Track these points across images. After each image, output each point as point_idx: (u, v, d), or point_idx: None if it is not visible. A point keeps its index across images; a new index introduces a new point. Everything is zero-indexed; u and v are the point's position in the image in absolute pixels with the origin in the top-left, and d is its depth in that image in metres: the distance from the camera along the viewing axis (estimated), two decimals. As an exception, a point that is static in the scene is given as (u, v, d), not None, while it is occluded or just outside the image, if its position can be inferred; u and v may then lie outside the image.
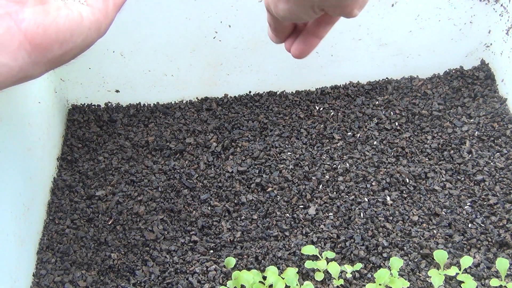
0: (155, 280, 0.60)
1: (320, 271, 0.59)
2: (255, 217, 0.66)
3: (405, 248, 0.61)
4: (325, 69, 0.81)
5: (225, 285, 0.58)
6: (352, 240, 0.62)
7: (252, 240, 0.64)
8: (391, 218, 0.65)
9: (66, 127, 0.78)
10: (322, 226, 0.64)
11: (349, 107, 0.79)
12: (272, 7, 0.48)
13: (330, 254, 0.60)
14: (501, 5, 0.77)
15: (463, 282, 0.57)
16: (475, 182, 0.68)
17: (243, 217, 0.66)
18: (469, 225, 0.64)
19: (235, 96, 0.82)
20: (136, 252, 0.63)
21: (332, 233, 0.63)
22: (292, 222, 0.65)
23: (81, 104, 0.81)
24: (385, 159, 0.72)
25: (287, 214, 0.66)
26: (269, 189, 0.69)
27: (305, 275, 0.60)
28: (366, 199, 0.67)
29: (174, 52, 0.78)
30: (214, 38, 0.77)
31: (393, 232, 0.63)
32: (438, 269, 0.59)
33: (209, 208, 0.67)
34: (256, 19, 0.76)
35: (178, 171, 0.71)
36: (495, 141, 0.73)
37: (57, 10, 0.42)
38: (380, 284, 0.57)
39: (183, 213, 0.67)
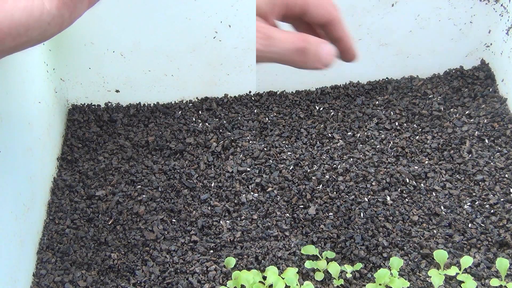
0: (155, 280, 0.60)
1: (320, 271, 0.59)
2: (255, 217, 0.66)
3: (405, 248, 0.61)
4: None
5: (225, 285, 0.58)
6: (352, 240, 0.62)
7: (252, 240, 0.64)
8: (391, 218, 0.65)
9: (66, 127, 0.78)
10: (322, 226, 0.64)
11: (349, 107, 0.79)
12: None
13: (330, 254, 0.60)
14: (501, 5, 0.77)
15: (463, 282, 0.57)
16: (475, 182, 0.68)
17: (243, 217, 0.66)
18: (469, 225, 0.64)
19: (235, 96, 0.82)
20: (136, 252, 0.63)
21: (332, 233, 0.63)
22: (292, 222, 0.65)
23: (81, 104, 0.81)
24: (385, 159, 0.72)
25: (287, 214, 0.66)
26: (269, 189, 0.69)
27: (305, 275, 0.60)
28: (366, 199, 0.67)
29: (174, 52, 0.78)
30: (214, 38, 0.77)
31: (393, 232, 0.63)
32: (438, 269, 0.59)
33: (209, 208, 0.67)
34: (256, 19, 0.76)
35: (178, 171, 0.71)
36: (495, 141, 0.73)
37: (15, 0, 0.38)
38: (380, 284, 0.57)
39: (183, 213, 0.67)
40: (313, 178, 0.69)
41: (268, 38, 0.52)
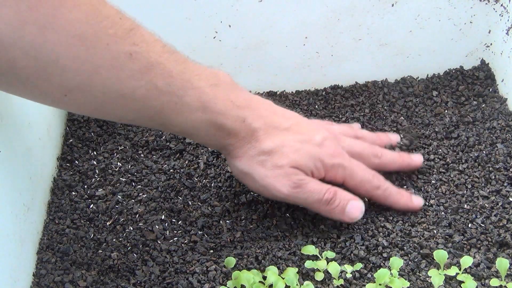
0: (155, 280, 0.60)
1: (320, 271, 0.59)
2: (255, 217, 0.66)
3: (405, 248, 0.61)
4: (325, 69, 0.81)
5: (225, 285, 0.58)
6: (352, 240, 0.62)
7: (252, 240, 0.64)
8: (391, 218, 0.65)
9: (66, 126, 0.78)
10: (322, 226, 0.64)
11: (349, 107, 0.79)
12: None
13: (330, 254, 0.60)
14: (501, 5, 0.77)
15: (463, 282, 0.57)
16: (475, 182, 0.68)
17: (243, 217, 0.66)
18: (469, 225, 0.64)
19: (235, 96, 0.82)
20: (136, 252, 0.63)
21: (332, 233, 0.63)
22: (292, 222, 0.65)
23: (81, 104, 0.81)
24: (385, 159, 0.72)
25: (287, 214, 0.66)
26: (269, 189, 0.68)
27: (305, 275, 0.60)
28: (366, 199, 0.67)
29: (174, 52, 0.78)
30: (214, 38, 0.77)
31: (393, 232, 0.63)
32: (438, 269, 0.59)
33: (209, 208, 0.67)
34: (256, 19, 0.76)
35: (178, 171, 0.71)
36: (495, 141, 0.73)
37: None
38: (380, 284, 0.57)
39: (183, 213, 0.67)
40: (313, 178, 0.69)
41: (297, 187, 0.58)
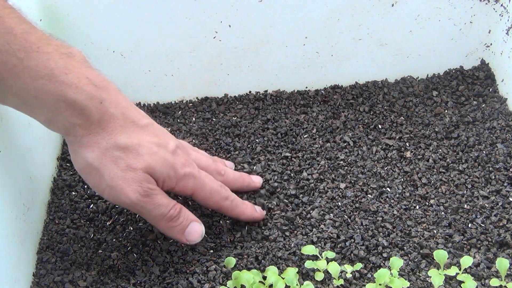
0: (155, 280, 0.60)
1: (320, 271, 0.60)
2: (255, 217, 0.66)
3: (405, 248, 0.61)
4: (325, 69, 0.81)
5: (225, 285, 0.58)
6: (352, 240, 0.62)
7: (252, 240, 0.64)
8: (391, 218, 0.65)
9: (66, 127, 0.78)
10: (322, 226, 0.64)
11: (349, 106, 0.79)
12: None
13: (330, 254, 0.60)
14: (501, 5, 0.77)
15: (463, 282, 0.57)
16: (475, 182, 0.68)
17: (243, 217, 0.66)
18: (469, 225, 0.64)
19: (235, 96, 0.82)
20: (136, 252, 0.63)
21: (332, 233, 0.63)
22: (292, 222, 0.65)
23: (81, 104, 0.81)
24: (386, 159, 0.72)
25: (288, 214, 0.66)
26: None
27: (305, 275, 0.60)
28: (366, 199, 0.67)
29: (174, 52, 0.78)
30: (214, 38, 0.77)
31: (393, 232, 0.63)
32: (438, 269, 0.59)
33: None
34: (256, 19, 0.76)
35: (178, 171, 0.71)
36: (495, 141, 0.73)
37: None
38: (380, 284, 0.57)
39: (183, 213, 0.67)
40: (313, 178, 0.69)
41: (146, 196, 0.54)
